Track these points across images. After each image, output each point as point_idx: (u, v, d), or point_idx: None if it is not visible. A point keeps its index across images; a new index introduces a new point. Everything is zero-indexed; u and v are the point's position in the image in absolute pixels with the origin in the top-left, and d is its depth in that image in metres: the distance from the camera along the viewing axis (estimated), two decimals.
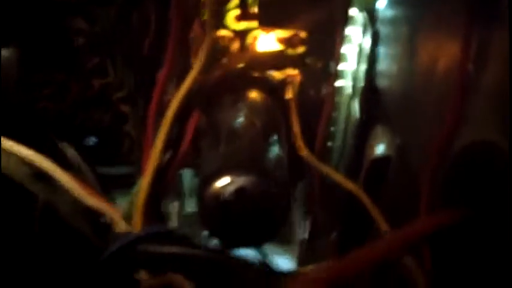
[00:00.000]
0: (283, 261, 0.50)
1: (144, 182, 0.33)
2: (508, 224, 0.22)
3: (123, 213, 0.32)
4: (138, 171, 0.35)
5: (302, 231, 0.48)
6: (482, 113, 0.24)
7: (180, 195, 0.49)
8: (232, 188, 0.33)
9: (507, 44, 0.23)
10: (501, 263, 0.22)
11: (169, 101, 0.35)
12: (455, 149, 0.25)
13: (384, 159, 0.35)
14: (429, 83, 0.31)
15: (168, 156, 0.36)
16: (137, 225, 0.32)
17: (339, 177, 0.36)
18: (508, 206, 0.20)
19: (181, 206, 0.50)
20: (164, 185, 0.36)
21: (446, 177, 0.25)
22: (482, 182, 0.23)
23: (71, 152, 0.36)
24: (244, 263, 0.29)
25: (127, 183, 0.38)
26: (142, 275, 0.31)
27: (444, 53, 0.29)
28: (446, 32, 0.29)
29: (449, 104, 0.25)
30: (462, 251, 0.25)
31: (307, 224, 0.48)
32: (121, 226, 0.32)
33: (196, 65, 0.35)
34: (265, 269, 0.30)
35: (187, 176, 0.48)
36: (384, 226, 0.31)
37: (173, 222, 0.50)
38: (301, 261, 0.49)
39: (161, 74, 0.35)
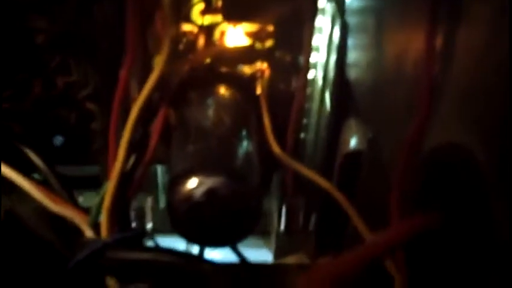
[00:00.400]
0: (261, 253, 0.50)
1: (110, 186, 0.32)
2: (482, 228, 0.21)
3: (90, 217, 0.31)
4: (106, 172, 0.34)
5: (278, 222, 0.48)
6: (449, 113, 0.23)
7: (154, 190, 0.48)
8: (202, 190, 0.32)
9: (473, 42, 0.22)
10: (470, 265, 0.22)
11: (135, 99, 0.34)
12: (424, 150, 0.24)
13: (357, 153, 0.35)
14: (398, 74, 0.30)
15: (134, 157, 0.35)
16: (104, 229, 0.31)
17: (311, 174, 0.35)
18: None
19: (156, 201, 0.49)
20: (132, 186, 0.35)
21: (416, 178, 0.25)
22: (450, 184, 0.23)
23: (35, 156, 0.35)
24: (215, 268, 0.29)
25: (98, 183, 0.37)
26: (111, 283, 0.30)
27: (412, 45, 0.28)
28: (414, 23, 0.28)
29: (418, 101, 0.25)
30: (431, 254, 0.24)
31: (284, 215, 0.47)
32: (88, 232, 0.31)
33: (159, 62, 0.34)
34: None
35: (162, 170, 0.47)
36: (358, 223, 0.31)
37: (147, 218, 0.49)
38: (279, 253, 0.49)
39: (122, 72, 0.34)
